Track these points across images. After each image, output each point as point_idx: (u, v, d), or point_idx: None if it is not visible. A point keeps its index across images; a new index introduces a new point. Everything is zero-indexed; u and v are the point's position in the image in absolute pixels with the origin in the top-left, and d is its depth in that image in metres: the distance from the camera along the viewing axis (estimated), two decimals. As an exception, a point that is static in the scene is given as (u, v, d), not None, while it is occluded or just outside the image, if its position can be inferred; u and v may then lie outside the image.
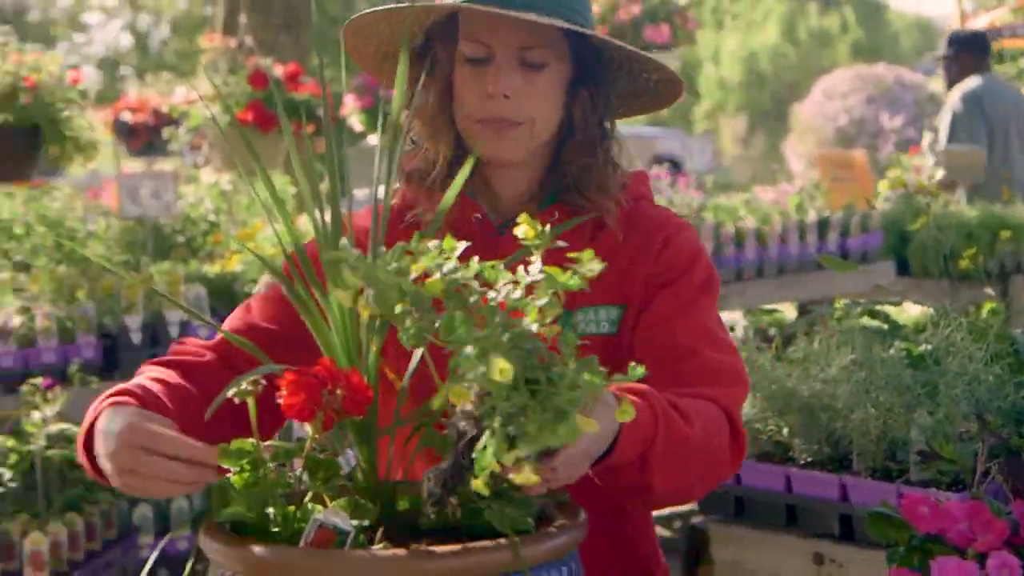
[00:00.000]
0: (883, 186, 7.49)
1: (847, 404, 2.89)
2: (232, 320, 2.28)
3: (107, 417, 1.90)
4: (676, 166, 13.51)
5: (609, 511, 2.22)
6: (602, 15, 7.21)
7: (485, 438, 1.58)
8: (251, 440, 1.82)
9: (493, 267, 1.68)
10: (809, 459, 3.00)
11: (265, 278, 2.25)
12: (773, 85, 32.09)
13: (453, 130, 2.26)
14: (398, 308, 1.64)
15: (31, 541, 4.24)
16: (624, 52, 2.24)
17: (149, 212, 5.74)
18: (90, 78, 36.31)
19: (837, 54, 32.16)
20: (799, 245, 6.19)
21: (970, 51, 8.45)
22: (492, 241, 2.23)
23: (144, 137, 12.80)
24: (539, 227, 1.72)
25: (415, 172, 2.29)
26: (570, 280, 1.68)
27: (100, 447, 1.87)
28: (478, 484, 1.61)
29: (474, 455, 1.62)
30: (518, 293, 1.65)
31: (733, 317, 6.30)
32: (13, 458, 4.40)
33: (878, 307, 3.26)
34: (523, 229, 1.72)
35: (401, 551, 1.70)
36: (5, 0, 33.95)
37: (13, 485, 4.43)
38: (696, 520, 3.17)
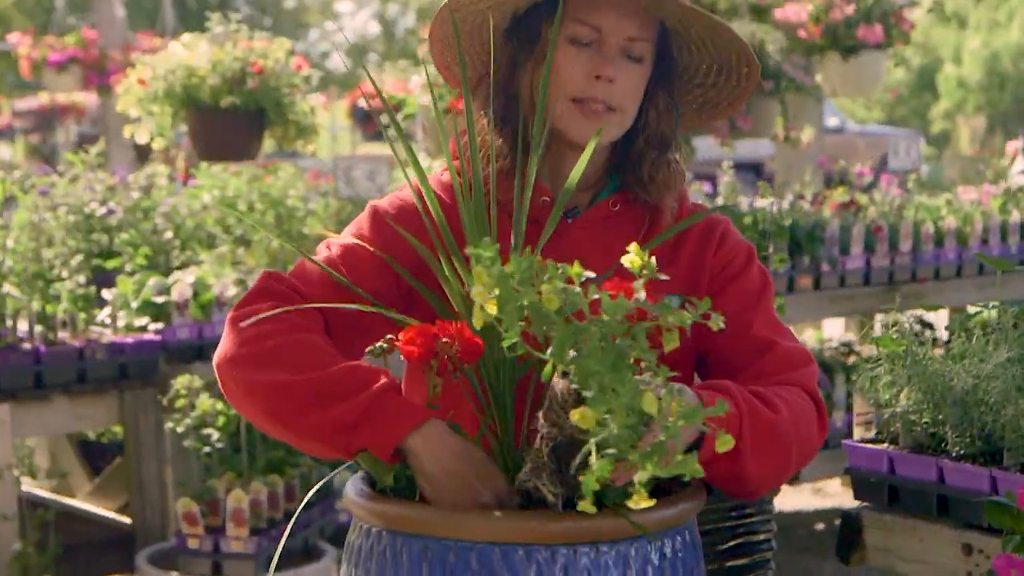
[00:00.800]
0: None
1: (999, 400, 2.94)
2: (329, 265, 2.25)
3: (439, 447, 1.97)
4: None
5: None
6: (815, 14, 7.25)
7: (593, 461, 1.66)
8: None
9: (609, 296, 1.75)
10: (962, 452, 3.05)
11: (353, 228, 2.36)
12: (1014, 86, 31.24)
13: (546, 107, 2.23)
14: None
15: (233, 498, 4.51)
16: (731, 41, 2.30)
17: (362, 193, 5.99)
18: (338, 64, 37.25)
19: (1082, 55, 31.16)
20: (1000, 246, 6.16)
21: None
22: (560, 226, 2.29)
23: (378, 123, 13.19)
24: (644, 256, 1.79)
25: (507, 156, 2.30)
26: (685, 318, 1.77)
27: (440, 476, 1.95)
28: (585, 504, 1.68)
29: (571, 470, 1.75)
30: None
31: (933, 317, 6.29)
32: (221, 420, 4.67)
33: (1043, 307, 3.28)
34: (630, 258, 1.79)
35: (528, 512, 1.84)
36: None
37: (220, 446, 4.71)
38: (851, 507, 3.24)
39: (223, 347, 2.16)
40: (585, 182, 2.35)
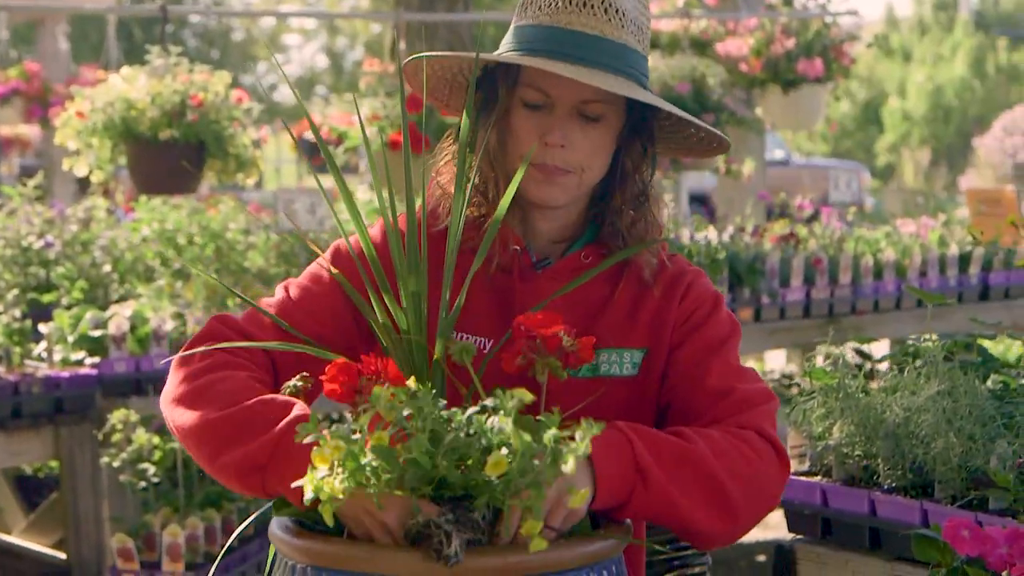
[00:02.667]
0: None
1: (930, 433, 2.95)
2: (281, 309, 2.28)
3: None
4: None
5: None
6: (757, 48, 7.30)
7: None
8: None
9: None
10: (893, 484, 3.06)
11: (313, 268, 2.35)
12: (958, 120, 31.59)
13: (505, 166, 2.30)
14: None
15: (169, 533, 4.47)
16: (675, 115, 2.30)
17: (303, 226, 5.97)
18: (287, 97, 37.25)
19: (1025, 90, 31.55)
20: (939, 278, 6.21)
21: None
22: (529, 275, 2.31)
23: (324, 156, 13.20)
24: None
25: (476, 205, 2.33)
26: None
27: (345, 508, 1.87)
28: (537, 543, 1.73)
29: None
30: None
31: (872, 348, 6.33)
32: (158, 455, 4.64)
33: (975, 340, 3.31)
34: None
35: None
36: (210, 21, 34.95)
37: (156, 480, 4.67)
38: (784, 540, 3.25)
39: (165, 387, 2.17)
40: (560, 234, 2.36)
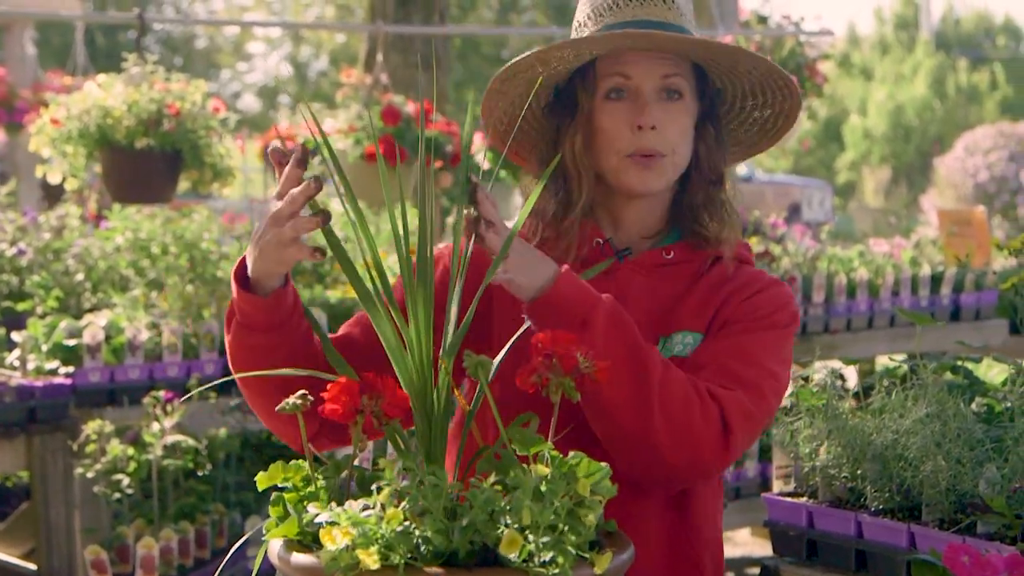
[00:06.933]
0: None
1: (918, 455, 2.96)
2: (342, 328, 2.44)
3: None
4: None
5: (668, 505, 2.37)
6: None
7: None
8: (301, 460, 1.97)
9: None
10: (880, 507, 3.07)
11: None
12: (918, 139, 31.79)
13: (591, 172, 2.38)
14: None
15: (143, 545, 4.44)
16: (755, 66, 2.37)
17: (278, 238, 5.93)
18: (250, 106, 37.12)
19: (985, 111, 31.78)
20: (911, 298, 6.24)
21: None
22: (611, 266, 2.38)
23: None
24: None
25: (554, 210, 2.42)
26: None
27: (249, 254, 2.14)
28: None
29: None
30: None
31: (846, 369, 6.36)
32: (132, 466, 4.60)
33: (960, 363, 3.33)
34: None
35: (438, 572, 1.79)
36: (174, 29, 34.85)
37: (130, 492, 4.64)
38: (764, 557, 3.26)
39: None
40: (647, 230, 2.44)
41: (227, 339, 2.25)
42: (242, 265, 2.17)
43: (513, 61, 2.35)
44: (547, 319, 2.10)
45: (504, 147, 2.45)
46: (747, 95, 2.47)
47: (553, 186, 2.40)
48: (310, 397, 1.96)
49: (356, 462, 1.97)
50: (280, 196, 2.09)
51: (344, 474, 1.97)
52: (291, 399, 1.97)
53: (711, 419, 2.21)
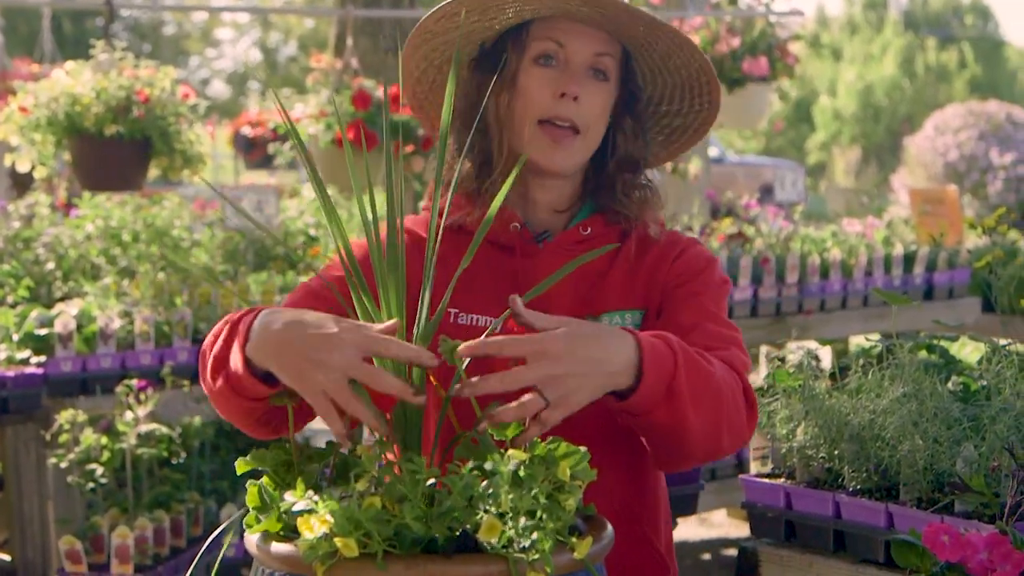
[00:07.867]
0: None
1: (895, 435, 2.96)
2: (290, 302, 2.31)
3: (283, 319, 1.93)
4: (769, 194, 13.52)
5: (623, 510, 2.36)
6: (702, 47, 7.30)
7: None
8: (283, 445, 1.96)
9: None
10: (858, 487, 3.07)
11: (308, 282, 2.32)
12: (888, 119, 31.88)
13: (512, 131, 2.34)
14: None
15: (118, 535, 4.41)
16: (690, 60, 2.35)
17: (250, 224, 5.92)
18: (219, 92, 36.99)
19: (954, 90, 31.89)
20: (884, 278, 6.25)
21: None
22: (531, 250, 2.36)
23: (262, 151, 13.09)
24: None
25: (470, 171, 2.38)
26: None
27: (290, 351, 1.89)
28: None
29: None
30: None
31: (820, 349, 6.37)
32: (106, 455, 4.58)
33: (936, 342, 3.33)
34: None
35: (417, 558, 1.77)
36: (142, 15, 34.68)
37: (104, 481, 4.62)
38: (742, 539, 3.25)
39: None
40: (560, 206, 2.41)
41: (209, 372, 2.09)
42: (248, 328, 1.99)
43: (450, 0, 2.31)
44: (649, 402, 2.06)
45: (415, 99, 2.45)
46: (664, 99, 2.47)
47: (470, 147, 2.35)
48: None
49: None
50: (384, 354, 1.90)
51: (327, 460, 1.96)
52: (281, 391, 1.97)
53: (746, 402, 2.23)
